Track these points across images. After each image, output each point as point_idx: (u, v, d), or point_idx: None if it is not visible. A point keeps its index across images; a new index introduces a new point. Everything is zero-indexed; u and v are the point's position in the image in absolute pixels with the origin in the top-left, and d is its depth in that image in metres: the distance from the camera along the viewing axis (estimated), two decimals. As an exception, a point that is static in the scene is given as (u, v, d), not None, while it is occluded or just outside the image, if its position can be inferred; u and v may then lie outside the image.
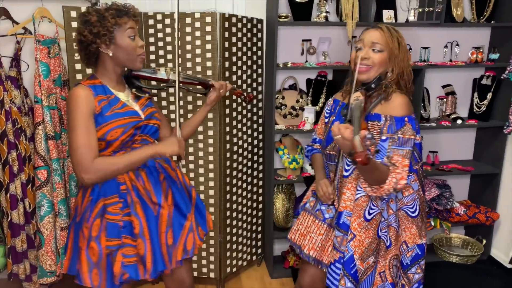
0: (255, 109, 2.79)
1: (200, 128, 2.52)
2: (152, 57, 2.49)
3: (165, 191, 1.68)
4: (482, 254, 3.04)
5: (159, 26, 2.44)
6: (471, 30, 2.95)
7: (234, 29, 2.52)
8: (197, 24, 2.41)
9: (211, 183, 2.58)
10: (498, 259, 2.99)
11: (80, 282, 1.58)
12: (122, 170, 1.57)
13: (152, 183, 1.64)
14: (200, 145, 2.55)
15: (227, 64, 2.50)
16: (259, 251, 3.02)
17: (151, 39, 2.46)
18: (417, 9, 2.69)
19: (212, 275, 2.71)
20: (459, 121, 2.89)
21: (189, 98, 2.49)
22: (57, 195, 2.42)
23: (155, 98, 2.41)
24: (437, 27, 2.79)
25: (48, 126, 2.37)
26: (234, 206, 2.72)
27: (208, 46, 2.42)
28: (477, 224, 2.98)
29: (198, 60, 2.45)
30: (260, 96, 2.82)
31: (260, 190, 2.93)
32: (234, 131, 2.64)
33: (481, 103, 2.96)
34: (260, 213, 2.96)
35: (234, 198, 2.71)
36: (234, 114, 2.62)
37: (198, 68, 2.45)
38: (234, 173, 2.68)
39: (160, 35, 2.45)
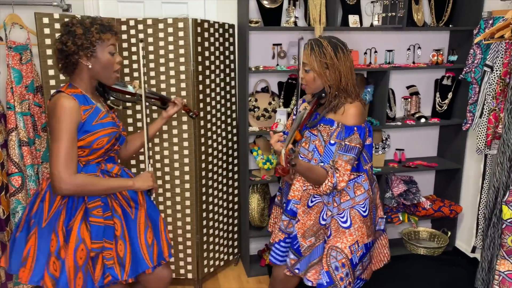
0: (229, 112, 2.86)
1: (175, 131, 2.57)
2: (126, 62, 2.52)
3: (139, 195, 1.77)
4: (447, 245, 3.21)
5: (132, 31, 2.48)
6: (431, 33, 3.12)
7: (206, 34, 2.58)
8: (170, 30, 2.46)
9: (187, 185, 2.63)
10: (462, 249, 3.17)
11: None
12: (97, 193, 1.63)
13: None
14: (175, 148, 2.60)
15: (200, 68, 2.56)
16: (236, 250, 3.09)
17: (124, 45, 2.50)
18: (381, 14, 2.83)
19: (189, 275, 2.76)
20: (422, 120, 3.05)
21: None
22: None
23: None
24: (400, 31, 2.94)
25: (22, 132, 2.36)
26: (210, 207, 2.78)
27: (181, 51, 2.48)
28: (442, 217, 3.15)
29: (171, 64, 2.50)
30: (233, 99, 2.89)
31: (236, 191, 3.00)
32: (209, 134, 2.70)
33: (442, 102, 3.13)
34: (236, 213, 3.03)
35: (210, 199, 2.77)
36: (209, 117, 2.69)
37: (172, 72, 2.51)
38: (210, 174, 2.74)
39: (133, 40, 2.49)
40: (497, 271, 2.27)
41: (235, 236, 3.05)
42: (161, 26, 2.46)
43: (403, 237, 3.26)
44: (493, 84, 2.45)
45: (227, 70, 2.81)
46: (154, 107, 2.49)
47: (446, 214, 3.12)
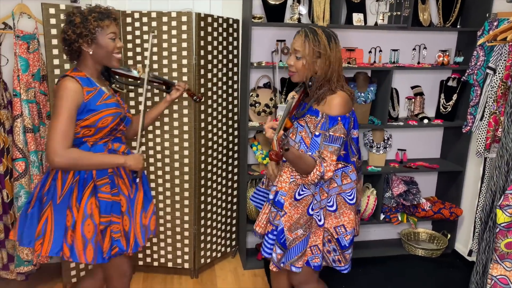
0: (230, 106, 2.89)
1: (176, 124, 2.62)
2: (130, 54, 2.57)
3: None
4: (446, 248, 3.19)
5: (137, 24, 2.52)
6: (438, 34, 3.09)
7: (209, 29, 2.61)
8: (174, 23, 2.50)
9: (186, 177, 2.68)
10: (461, 252, 3.15)
11: (74, 260, 1.71)
12: (91, 167, 1.72)
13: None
14: (176, 140, 2.64)
15: (202, 62, 2.59)
16: (234, 243, 3.13)
17: (129, 37, 2.55)
18: (386, 12, 2.81)
19: (186, 265, 2.81)
20: (425, 121, 3.03)
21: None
22: (34, 187, 2.49)
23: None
24: (405, 30, 2.92)
25: (27, 119, 2.44)
26: (209, 199, 2.82)
27: (184, 45, 2.51)
28: (442, 219, 3.13)
29: (174, 58, 2.54)
30: (235, 94, 2.92)
31: (235, 185, 3.03)
32: (209, 127, 2.74)
33: (447, 104, 3.10)
34: (234, 207, 3.06)
35: (209, 191, 2.81)
36: (209, 110, 2.72)
37: (174, 66, 2.54)
38: (209, 167, 2.78)
39: (137, 32, 2.53)
40: (490, 275, 2.26)
41: (233, 229, 3.09)
42: (165, 19, 2.50)
43: (402, 237, 3.25)
44: (495, 87, 2.42)
45: (230, 65, 2.84)
46: (156, 91, 2.55)
47: (446, 216, 3.10)
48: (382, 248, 3.26)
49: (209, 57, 2.65)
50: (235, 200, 3.05)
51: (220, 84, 2.77)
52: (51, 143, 1.63)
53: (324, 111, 1.76)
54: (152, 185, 2.70)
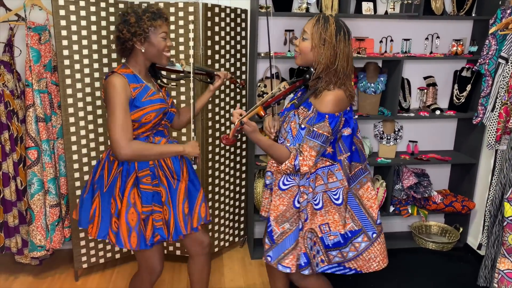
0: (238, 97, 2.89)
1: (183, 114, 2.64)
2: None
3: (182, 168, 1.97)
4: (458, 241, 3.14)
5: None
6: (452, 22, 3.01)
7: (217, 19, 2.62)
8: (181, 14, 2.51)
9: (194, 167, 2.69)
10: (473, 246, 3.09)
11: (120, 246, 1.83)
12: (152, 157, 1.85)
13: (173, 161, 1.93)
14: (183, 130, 2.67)
15: (209, 52, 2.61)
16: (242, 233, 3.15)
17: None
18: (397, 1, 2.76)
19: (194, 254, 2.85)
20: (437, 112, 2.97)
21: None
22: (46, 174, 2.56)
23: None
24: (417, 19, 2.85)
25: (38, 108, 2.50)
26: (217, 189, 2.85)
27: (191, 35, 2.53)
28: (454, 212, 3.07)
29: (181, 48, 2.56)
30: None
31: (243, 175, 3.05)
32: (217, 117, 2.75)
33: (460, 95, 3.03)
34: (243, 197, 3.08)
35: (217, 181, 2.84)
36: (217, 101, 2.74)
37: (181, 56, 2.56)
38: (217, 157, 2.80)
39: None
40: (497, 269, 2.21)
41: (241, 219, 3.12)
42: (172, 10, 2.52)
43: (413, 230, 3.21)
44: (506, 77, 2.35)
45: (238, 55, 2.84)
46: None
47: (457, 209, 3.04)
48: (391, 241, 3.22)
49: (217, 47, 2.65)
50: (243, 190, 3.07)
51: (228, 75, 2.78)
52: (114, 138, 1.72)
53: (315, 106, 1.75)
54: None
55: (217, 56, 2.67)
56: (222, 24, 2.66)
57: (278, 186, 1.84)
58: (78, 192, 2.59)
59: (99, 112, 2.56)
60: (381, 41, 2.96)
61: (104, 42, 2.49)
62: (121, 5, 2.51)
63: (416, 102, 3.13)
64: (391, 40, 2.96)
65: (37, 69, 2.49)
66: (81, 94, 2.48)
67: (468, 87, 2.97)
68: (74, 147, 2.51)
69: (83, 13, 2.39)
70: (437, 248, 3.11)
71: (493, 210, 2.33)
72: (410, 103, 3.05)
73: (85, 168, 2.58)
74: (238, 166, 2.99)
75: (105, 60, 2.52)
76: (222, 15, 2.65)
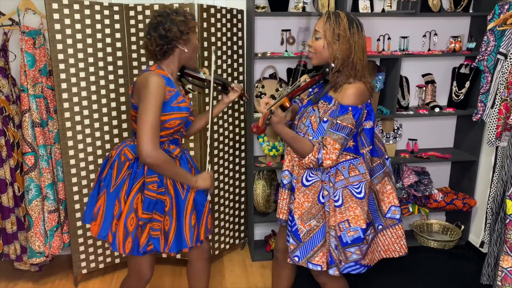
0: (236, 98, 2.87)
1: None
2: (134, 47, 2.58)
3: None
4: (460, 239, 3.12)
5: (140, 17, 2.53)
6: (449, 19, 2.99)
7: (213, 20, 2.60)
8: (176, 15, 2.49)
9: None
10: (475, 244, 3.07)
11: (114, 249, 1.80)
12: (167, 174, 1.78)
13: (184, 169, 1.88)
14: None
15: (205, 53, 2.58)
16: (242, 235, 3.13)
17: (132, 30, 2.55)
18: (394, -1, 2.74)
19: (194, 257, 2.83)
20: (437, 109, 2.95)
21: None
22: (44, 180, 2.54)
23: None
24: (414, 16, 2.84)
25: (34, 114, 2.48)
26: (216, 191, 2.82)
27: (187, 37, 2.50)
28: (455, 210, 3.05)
29: (177, 50, 2.53)
30: (241, 85, 2.89)
31: (242, 177, 3.03)
32: (215, 119, 2.73)
33: (459, 92, 3.01)
34: (242, 199, 3.06)
35: (216, 184, 2.81)
36: (215, 103, 2.71)
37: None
38: (215, 159, 2.78)
39: (140, 26, 2.54)
40: (500, 267, 2.19)
41: (241, 221, 3.10)
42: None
43: (414, 229, 3.19)
44: (506, 73, 2.33)
45: (235, 56, 2.82)
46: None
47: (458, 207, 3.02)
48: (393, 240, 3.21)
49: (213, 48, 2.61)
50: (242, 192, 3.05)
51: (225, 76, 2.76)
52: (143, 139, 1.64)
53: (337, 99, 1.73)
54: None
55: (213, 58, 2.64)
56: (218, 25, 2.64)
57: (301, 182, 1.81)
58: (77, 197, 2.56)
59: (95, 116, 2.53)
60: (378, 39, 2.94)
61: (100, 45, 2.47)
62: (115, 8, 2.49)
63: (415, 100, 3.11)
64: (389, 38, 2.94)
65: (32, 74, 2.47)
66: (77, 98, 2.45)
67: (467, 84, 2.96)
68: (72, 152, 2.49)
69: (77, 16, 2.37)
70: (439, 246, 3.09)
71: (495, 207, 2.31)
72: (409, 101, 3.04)
73: (83, 173, 2.56)
74: (237, 167, 2.97)
75: (100, 64, 2.50)
76: (218, 16, 2.63)
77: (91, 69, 2.47)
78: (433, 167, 3.25)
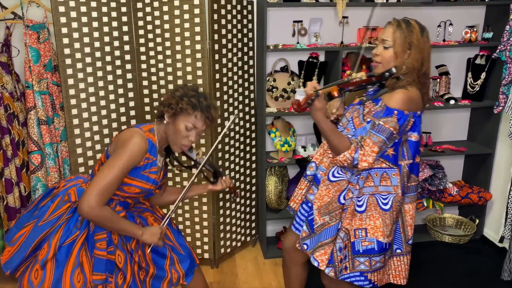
0: (246, 92, 2.79)
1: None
2: (142, 40, 2.49)
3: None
4: (475, 233, 3.07)
5: (148, 9, 2.44)
6: (465, 8, 2.91)
7: (223, 11, 2.51)
8: (186, 7, 2.40)
9: None
10: (491, 238, 3.02)
11: None
12: (111, 229, 1.63)
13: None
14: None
15: (216, 46, 2.50)
16: (254, 232, 3.07)
17: (140, 23, 2.46)
18: (409, -12, 2.65)
19: (206, 255, 2.77)
20: (452, 102, 2.88)
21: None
22: (51, 179, 2.46)
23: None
24: (430, 6, 2.75)
25: (40, 111, 2.39)
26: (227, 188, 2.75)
27: (197, 29, 2.42)
28: (470, 204, 3.00)
29: (187, 43, 2.45)
30: (251, 79, 2.82)
31: (254, 173, 2.96)
32: (225, 114, 2.65)
33: (474, 83, 2.94)
34: (253, 195, 2.99)
35: (227, 180, 2.74)
36: (225, 97, 2.63)
37: (188, 51, 2.45)
38: (226, 156, 2.71)
39: (148, 18, 2.45)
40: (523, 264, 2.14)
41: (253, 217, 3.03)
42: (176, 3, 2.41)
43: (427, 223, 3.14)
44: (529, 63, 2.26)
45: (245, 49, 2.73)
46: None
47: (474, 201, 2.97)
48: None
49: (224, 41, 2.54)
50: (254, 188, 2.98)
51: (235, 69, 2.68)
52: (90, 193, 1.52)
53: (385, 101, 1.67)
54: (170, 175, 2.64)
55: (224, 50, 2.56)
56: (229, 16, 2.55)
57: (328, 176, 1.77)
58: (85, 197, 2.48)
59: (103, 112, 2.45)
60: (392, 30, 2.85)
61: (107, 39, 2.38)
62: (122, 0, 2.40)
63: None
64: (403, 29, 2.86)
65: (37, 70, 2.37)
66: (84, 95, 2.36)
67: (483, 75, 2.88)
68: (79, 150, 2.40)
69: (83, 9, 2.27)
70: (453, 241, 3.04)
71: (517, 202, 2.26)
72: (423, 93, 2.96)
73: (91, 172, 2.48)
74: (248, 163, 2.90)
75: (108, 58, 2.40)
76: (229, 7, 2.54)
77: (98, 63, 2.38)
78: (446, 160, 3.19)
